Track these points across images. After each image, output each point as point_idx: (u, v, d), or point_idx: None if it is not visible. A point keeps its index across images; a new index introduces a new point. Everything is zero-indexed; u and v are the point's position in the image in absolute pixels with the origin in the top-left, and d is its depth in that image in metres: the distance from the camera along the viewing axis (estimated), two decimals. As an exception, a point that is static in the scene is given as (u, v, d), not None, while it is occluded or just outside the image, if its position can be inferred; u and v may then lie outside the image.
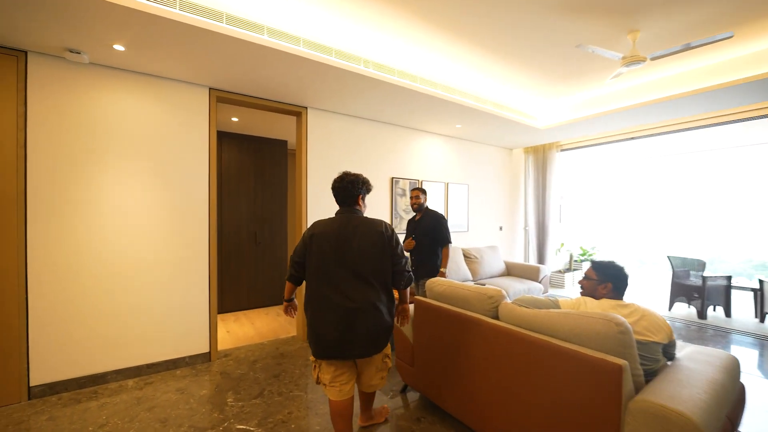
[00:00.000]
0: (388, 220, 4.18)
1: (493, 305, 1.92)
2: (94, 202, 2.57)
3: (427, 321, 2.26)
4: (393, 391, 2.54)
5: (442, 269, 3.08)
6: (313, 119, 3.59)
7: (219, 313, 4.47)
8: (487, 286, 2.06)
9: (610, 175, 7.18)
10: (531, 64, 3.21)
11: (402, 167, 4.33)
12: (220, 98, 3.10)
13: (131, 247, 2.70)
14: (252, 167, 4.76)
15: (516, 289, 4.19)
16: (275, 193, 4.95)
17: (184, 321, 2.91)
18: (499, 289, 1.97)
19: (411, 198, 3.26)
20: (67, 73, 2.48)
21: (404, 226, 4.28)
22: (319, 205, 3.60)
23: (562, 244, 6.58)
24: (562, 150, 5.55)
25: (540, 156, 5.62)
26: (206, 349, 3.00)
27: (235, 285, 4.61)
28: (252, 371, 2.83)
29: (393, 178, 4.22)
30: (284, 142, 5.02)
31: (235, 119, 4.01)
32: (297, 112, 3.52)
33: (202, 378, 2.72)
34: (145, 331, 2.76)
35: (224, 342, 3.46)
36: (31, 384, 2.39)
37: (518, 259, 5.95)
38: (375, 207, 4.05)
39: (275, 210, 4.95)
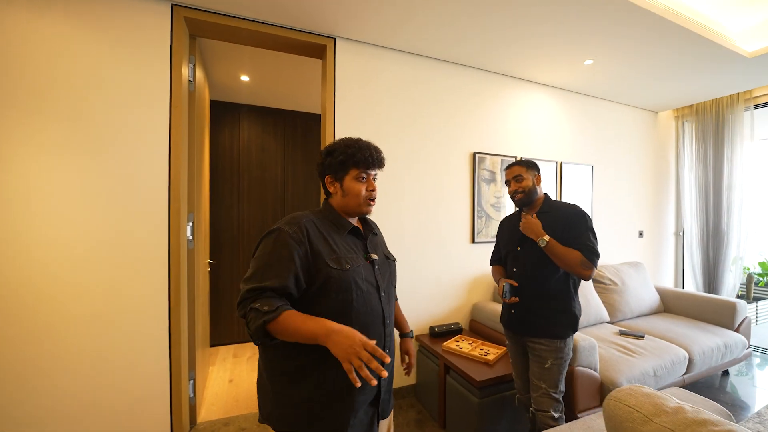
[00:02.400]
0: (466, 219, 2.64)
1: None
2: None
3: None
4: None
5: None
6: (345, 56, 2.23)
7: (238, 343, 3.41)
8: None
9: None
10: None
11: (489, 137, 2.74)
12: (192, 22, 1.92)
13: (44, 263, 1.64)
14: (281, 149, 3.62)
15: (704, 347, 2.30)
16: (309, 183, 3.75)
17: (128, 384, 1.78)
18: None
19: (508, 182, 1.64)
20: None
21: (491, 231, 2.69)
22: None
23: (742, 258, 4.26)
24: (757, 106, 3.37)
25: (710, 119, 3.49)
26: (165, 429, 1.85)
27: (259, 304, 3.51)
28: (222, 491, 1.59)
29: (475, 153, 2.66)
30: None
31: (245, 78, 2.86)
32: (319, 47, 2.19)
33: (137, 497, 1.56)
34: (67, 400, 1.68)
35: (217, 401, 2.31)
36: None
37: (666, 281, 3.88)
38: (445, 198, 2.55)
39: (311, 206, 3.75)
